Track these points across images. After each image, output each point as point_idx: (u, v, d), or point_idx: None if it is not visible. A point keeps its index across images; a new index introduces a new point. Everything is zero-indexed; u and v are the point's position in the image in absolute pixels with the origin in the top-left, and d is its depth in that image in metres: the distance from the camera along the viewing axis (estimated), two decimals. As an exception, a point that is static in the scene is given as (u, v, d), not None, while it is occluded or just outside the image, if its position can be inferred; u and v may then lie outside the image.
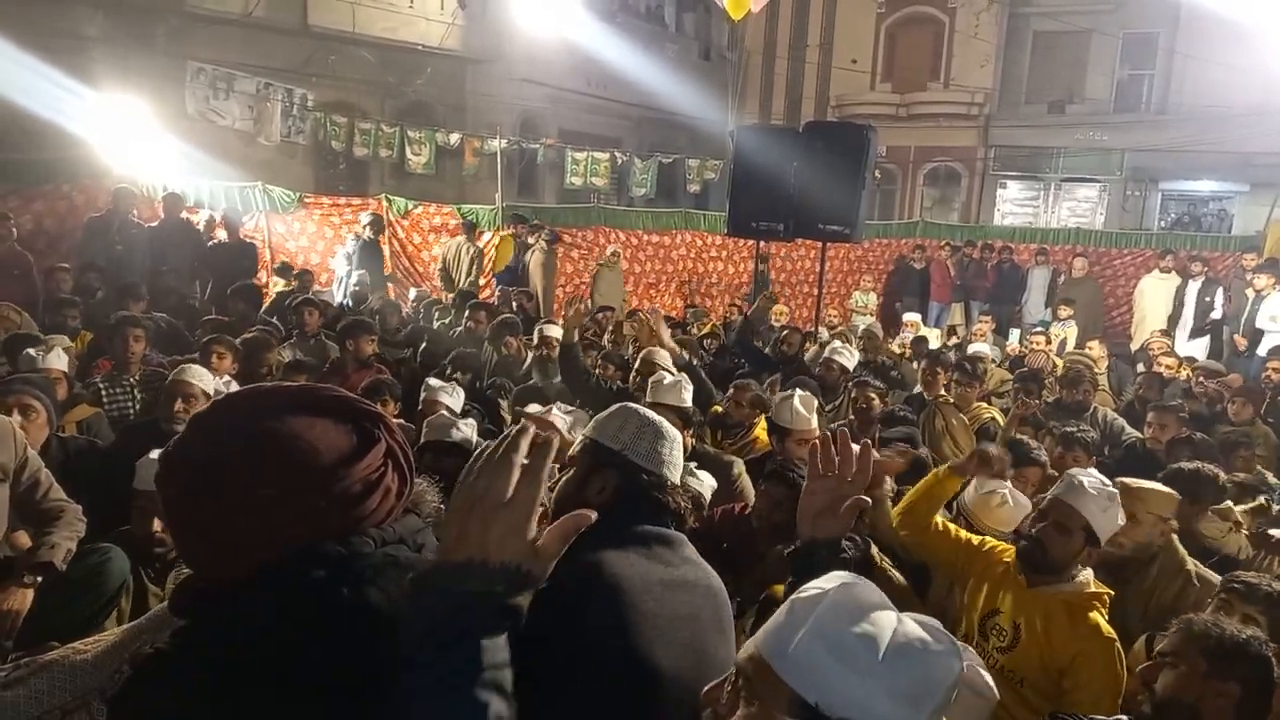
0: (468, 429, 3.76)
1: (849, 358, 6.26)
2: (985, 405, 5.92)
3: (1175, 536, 3.26)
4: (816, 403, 4.36)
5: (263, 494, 1.02)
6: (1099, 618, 2.61)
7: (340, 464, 1.07)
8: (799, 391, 4.38)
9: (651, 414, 1.93)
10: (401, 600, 1.01)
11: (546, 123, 18.06)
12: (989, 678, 2.19)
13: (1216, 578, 3.17)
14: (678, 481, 1.89)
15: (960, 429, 5.45)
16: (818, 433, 4.15)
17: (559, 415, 3.88)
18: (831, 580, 1.07)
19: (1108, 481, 2.75)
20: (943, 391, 5.83)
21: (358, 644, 1.01)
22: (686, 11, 22.15)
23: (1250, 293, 10.08)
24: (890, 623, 1.00)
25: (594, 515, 1.01)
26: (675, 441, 1.91)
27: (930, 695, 0.97)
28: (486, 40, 16.14)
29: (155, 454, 2.86)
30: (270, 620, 1.00)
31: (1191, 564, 3.23)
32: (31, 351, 4.56)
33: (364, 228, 10.68)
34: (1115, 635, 2.59)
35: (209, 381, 4.07)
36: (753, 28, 21.43)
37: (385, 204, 11.91)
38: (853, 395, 5.51)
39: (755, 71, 22.83)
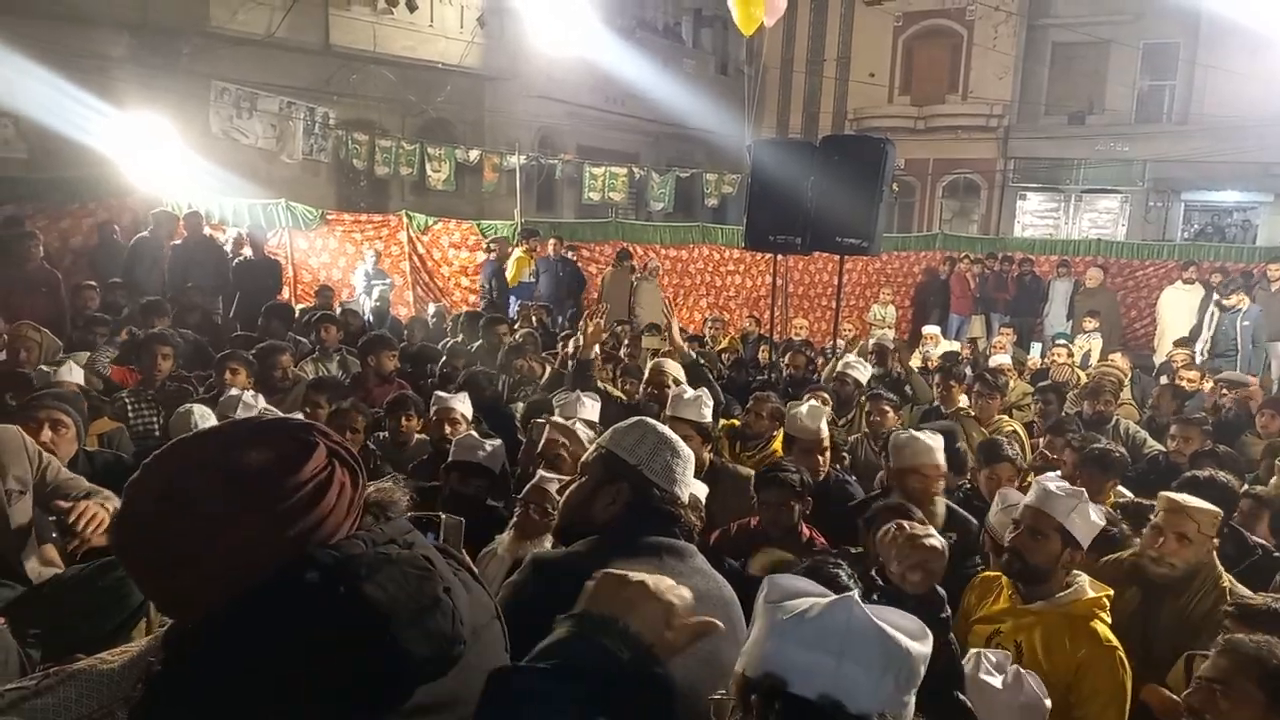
0: (493, 450, 3.77)
1: (863, 371, 6.25)
2: (1006, 419, 5.87)
3: (1215, 553, 3.22)
4: (827, 412, 4.36)
5: (215, 524, 1.06)
6: (1099, 625, 2.58)
7: (285, 474, 1.11)
8: (810, 400, 4.39)
9: (668, 431, 1.93)
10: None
11: (564, 139, 18.18)
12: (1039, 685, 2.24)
13: (1249, 593, 3.12)
14: (687, 500, 1.90)
15: (979, 439, 5.41)
16: (826, 441, 4.15)
17: (583, 428, 3.88)
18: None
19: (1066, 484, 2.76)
20: (961, 404, 5.79)
21: (359, 639, 1.04)
22: (704, 27, 22.25)
23: (1216, 310, 10.12)
24: (802, 597, 1.19)
25: (722, 627, 1.18)
26: (689, 460, 1.91)
27: (831, 639, 1.12)
28: (505, 58, 16.29)
29: None
30: (272, 625, 1.03)
31: (1227, 580, 3.17)
32: (44, 367, 4.63)
33: (491, 246, 11.04)
34: (1116, 643, 2.56)
35: (211, 419, 4.06)
36: (770, 42, 21.49)
37: (406, 220, 12.03)
38: (866, 409, 5.50)
39: (772, 86, 22.88)
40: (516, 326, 8.33)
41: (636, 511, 1.82)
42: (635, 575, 1.08)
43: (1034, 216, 20.99)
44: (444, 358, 6.69)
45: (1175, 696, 2.56)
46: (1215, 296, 10.43)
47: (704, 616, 1.13)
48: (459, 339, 8.08)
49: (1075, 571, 2.69)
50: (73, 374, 4.67)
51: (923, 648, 1.16)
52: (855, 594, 1.17)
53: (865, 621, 1.12)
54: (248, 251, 10.04)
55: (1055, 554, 2.64)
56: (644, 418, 1.98)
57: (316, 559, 1.08)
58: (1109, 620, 2.62)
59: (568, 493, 1.96)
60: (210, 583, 1.06)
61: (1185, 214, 20.03)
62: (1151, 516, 3.20)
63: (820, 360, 7.99)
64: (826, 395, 5.76)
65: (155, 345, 5.23)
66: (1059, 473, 3.94)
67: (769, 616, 1.18)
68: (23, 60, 9.42)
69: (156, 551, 1.08)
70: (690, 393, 4.18)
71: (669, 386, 4.76)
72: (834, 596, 1.17)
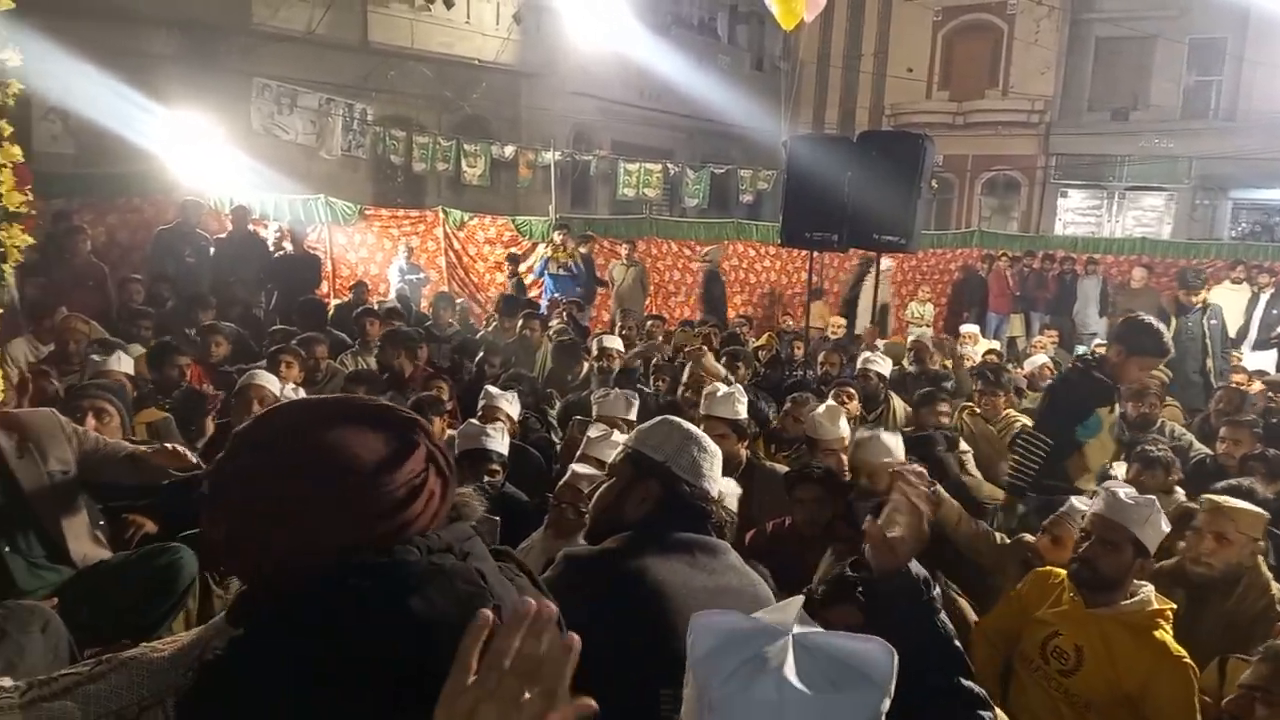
0: (496, 434, 3.78)
1: (884, 364, 6.22)
2: (1015, 413, 5.80)
3: (1261, 558, 3.16)
4: (845, 412, 4.32)
5: (308, 503, 1.04)
6: (1165, 636, 2.53)
7: (382, 471, 1.09)
8: (828, 402, 4.35)
9: (693, 427, 1.94)
10: None
11: (599, 135, 18.19)
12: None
13: None
14: (716, 494, 1.90)
15: (985, 437, 5.34)
16: (846, 441, 4.09)
17: (620, 438, 3.86)
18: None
19: (1136, 492, 2.70)
20: (968, 402, 5.77)
21: (397, 651, 1.02)
22: (739, 23, 22.16)
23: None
24: (735, 649, 0.98)
25: (594, 706, 0.93)
26: (716, 456, 1.91)
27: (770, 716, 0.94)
28: (541, 54, 16.33)
29: None
30: (315, 629, 1.02)
31: (1276, 587, 3.12)
32: (95, 357, 4.72)
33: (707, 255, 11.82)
34: (1185, 653, 2.51)
35: (276, 385, 4.18)
36: (806, 37, 21.34)
37: (442, 216, 12.11)
38: (921, 411, 5.44)
39: (809, 81, 22.71)
40: (551, 323, 8.36)
41: (668, 508, 1.82)
42: (481, 691, 0.88)
43: (1076, 214, 20.65)
44: (481, 352, 6.73)
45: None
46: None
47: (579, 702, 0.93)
48: (493, 327, 8.10)
49: (1140, 581, 2.64)
50: (121, 364, 4.75)
51: (875, 687, 0.98)
52: (788, 660, 0.97)
53: (799, 696, 0.94)
54: (288, 246, 10.17)
55: (1127, 564, 2.58)
56: (668, 416, 1.98)
57: (368, 564, 1.05)
58: (1170, 631, 2.57)
59: (598, 495, 1.96)
60: (269, 553, 1.06)
61: (1233, 212, 19.60)
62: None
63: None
64: (852, 390, 5.70)
65: (209, 336, 5.37)
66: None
67: (701, 679, 0.99)
68: (71, 58, 9.60)
69: (235, 502, 1.08)
70: (723, 390, 4.15)
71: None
72: (759, 668, 0.96)
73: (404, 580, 1.05)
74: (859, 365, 6.25)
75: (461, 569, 1.10)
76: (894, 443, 3.68)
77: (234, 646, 1.07)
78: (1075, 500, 3.30)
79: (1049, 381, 4.66)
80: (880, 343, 8.72)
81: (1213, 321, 9.11)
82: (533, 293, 11.50)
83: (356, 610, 1.03)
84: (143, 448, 3.00)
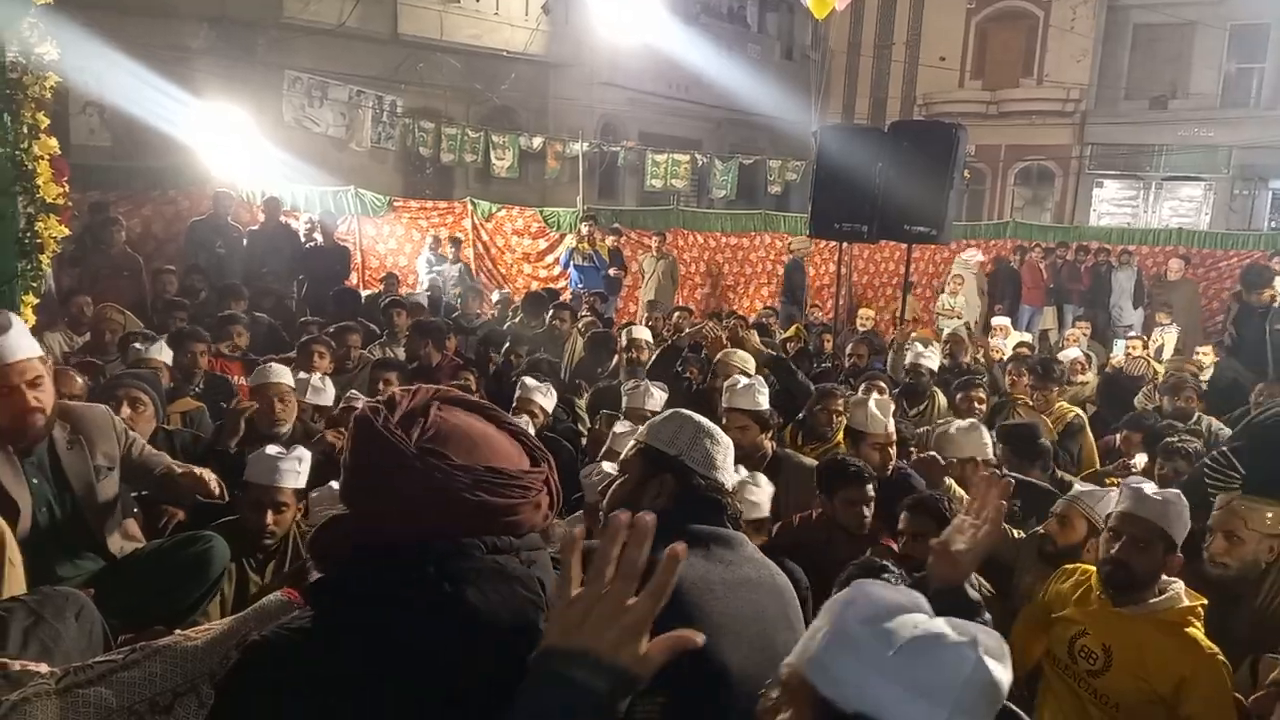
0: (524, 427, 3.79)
1: (934, 360, 6.14)
2: (1067, 405, 5.72)
3: None
4: (893, 405, 4.26)
5: (450, 475, 1.10)
6: (1197, 634, 2.49)
7: (514, 478, 1.15)
8: (874, 394, 4.29)
9: (704, 419, 1.93)
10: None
11: (627, 126, 18.15)
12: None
13: None
14: (730, 485, 1.89)
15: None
16: (894, 436, 4.05)
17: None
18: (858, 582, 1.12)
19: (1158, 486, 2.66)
20: (1020, 394, 5.70)
21: (447, 636, 1.06)
22: (769, 11, 21.97)
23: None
24: (906, 619, 1.03)
25: (700, 639, 1.01)
26: (728, 447, 1.91)
27: (945, 689, 0.98)
28: (569, 45, 16.33)
29: (271, 449, 3.00)
30: (378, 598, 1.07)
31: None
32: (138, 345, 4.80)
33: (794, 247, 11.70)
34: (1217, 649, 2.48)
35: (290, 377, 4.21)
36: (837, 26, 21.15)
37: (470, 207, 12.17)
38: (957, 398, 5.40)
39: (839, 71, 22.51)
40: (582, 315, 8.37)
41: (682, 502, 1.81)
42: (590, 596, 0.96)
43: (1111, 205, 20.32)
44: (508, 343, 6.75)
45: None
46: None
47: (681, 632, 1.01)
48: (520, 319, 8.14)
49: (1169, 577, 2.60)
50: (162, 353, 4.83)
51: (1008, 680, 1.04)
52: (978, 638, 1.02)
53: (985, 675, 0.99)
54: (318, 237, 10.27)
55: (1158, 561, 2.55)
56: (679, 410, 1.98)
57: (437, 550, 1.10)
58: (1201, 628, 2.53)
59: (611, 491, 1.97)
60: (398, 519, 1.10)
61: (1273, 202, 19.20)
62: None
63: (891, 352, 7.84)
64: (884, 384, 5.65)
65: (228, 326, 5.42)
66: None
67: (866, 644, 1.02)
68: (108, 53, 9.72)
69: (376, 472, 1.13)
70: (744, 381, 4.11)
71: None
72: (951, 636, 1.02)
73: (463, 572, 1.10)
74: (909, 359, 6.18)
75: (524, 574, 1.14)
76: (988, 437, 3.96)
77: (281, 629, 1.11)
78: (1079, 485, 3.29)
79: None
80: (913, 334, 8.63)
81: (1276, 326, 7.67)
82: (560, 284, 11.54)
83: (419, 588, 1.07)
84: (174, 464, 3.04)
